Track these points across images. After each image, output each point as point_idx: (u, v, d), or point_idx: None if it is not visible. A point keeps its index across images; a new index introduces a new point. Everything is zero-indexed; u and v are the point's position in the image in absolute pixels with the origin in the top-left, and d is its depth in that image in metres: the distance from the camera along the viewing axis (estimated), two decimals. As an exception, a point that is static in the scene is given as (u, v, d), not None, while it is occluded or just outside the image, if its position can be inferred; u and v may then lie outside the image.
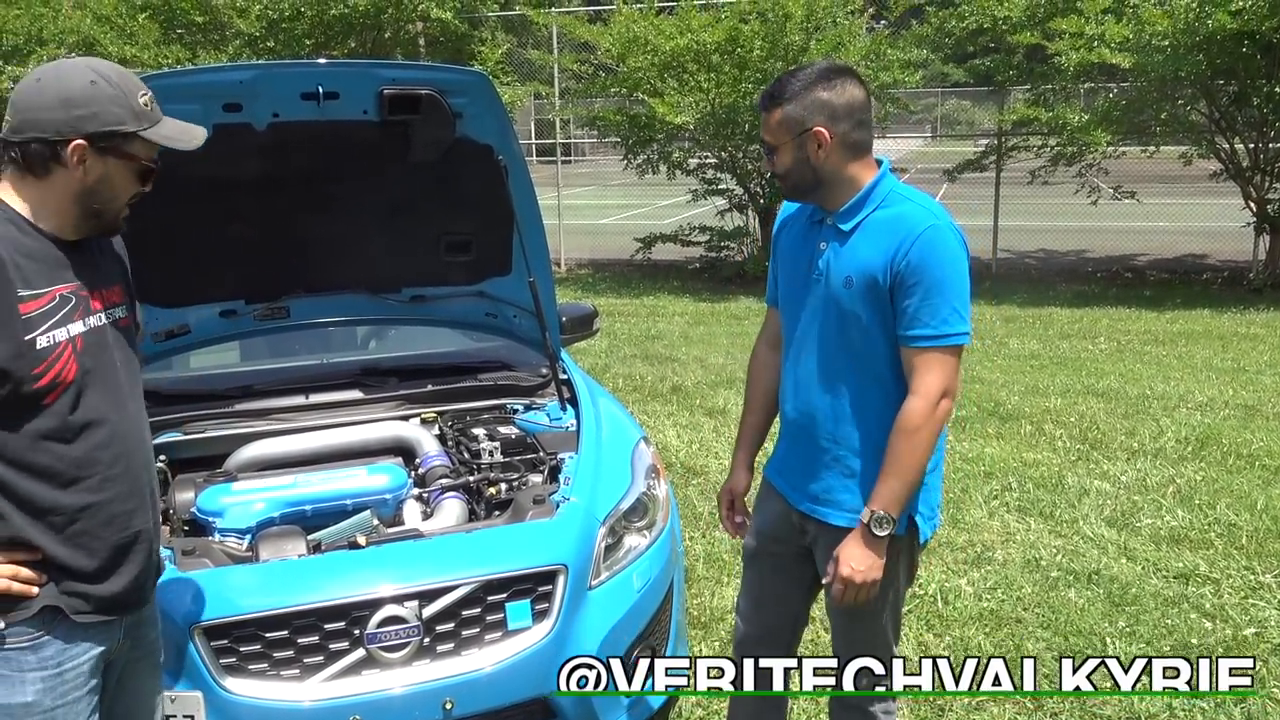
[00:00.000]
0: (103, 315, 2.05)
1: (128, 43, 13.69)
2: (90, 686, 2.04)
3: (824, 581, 2.41)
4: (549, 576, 2.74)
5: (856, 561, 2.32)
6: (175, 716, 2.44)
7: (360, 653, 2.57)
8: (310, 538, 2.83)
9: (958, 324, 2.28)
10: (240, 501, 2.92)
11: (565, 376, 3.73)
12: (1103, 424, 6.43)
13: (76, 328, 1.98)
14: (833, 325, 2.40)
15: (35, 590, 1.94)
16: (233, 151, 3.10)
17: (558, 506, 2.92)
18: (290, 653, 2.55)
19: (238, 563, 2.74)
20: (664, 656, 3.07)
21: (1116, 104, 11.54)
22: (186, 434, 3.32)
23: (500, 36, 16.04)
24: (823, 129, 2.30)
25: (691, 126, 11.77)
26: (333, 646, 2.57)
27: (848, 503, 2.42)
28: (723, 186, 13.17)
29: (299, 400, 3.52)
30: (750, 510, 2.78)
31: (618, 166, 14.80)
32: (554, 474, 3.19)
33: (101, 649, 2.06)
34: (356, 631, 2.57)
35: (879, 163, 2.41)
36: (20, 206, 1.97)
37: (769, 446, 2.79)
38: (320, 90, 3.07)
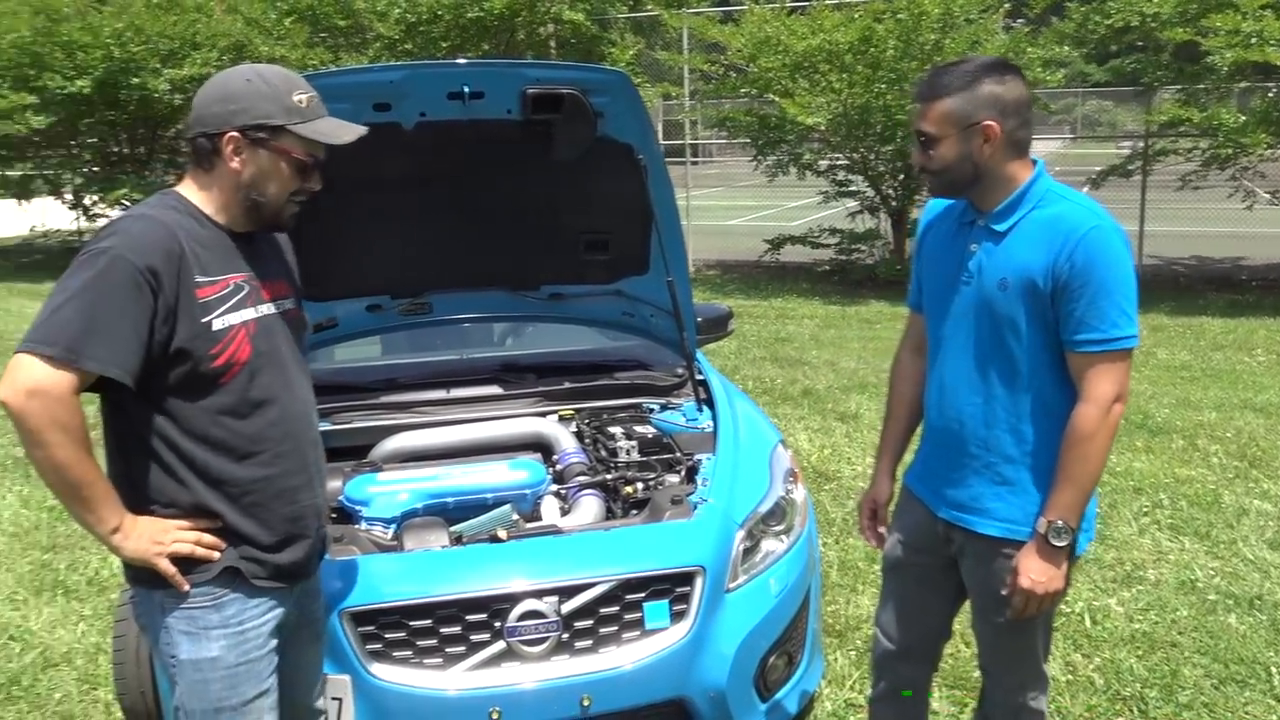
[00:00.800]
0: (271, 305, 2.17)
1: (277, 44, 14.25)
2: (270, 648, 2.16)
3: (1004, 594, 2.32)
4: (687, 578, 2.72)
5: (1036, 573, 2.24)
6: (324, 698, 2.50)
7: (500, 645, 2.59)
8: (452, 530, 2.88)
9: (1127, 326, 2.19)
10: (386, 491, 2.98)
11: (701, 377, 3.71)
12: (1262, 441, 6.08)
13: (248, 314, 2.10)
14: (985, 329, 2.32)
15: (217, 555, 2.06)
16: (381, 150, 3.15)
17: (695, 508, 2.90)
18: (433, 642, 2.59)
19: (383, 551, 2.80)
20: (800, 663, 3.02)
21: (1277, 104, 10.94)
22: (334, 424, 3.41)
23: (630, 38, 16.14)
24: (992, 123, 2.22)
25: (823, 127, 11.62)
26: (474, 638, 2.60)
27: (999, 511, 2.34)
28: (854, 188, 12.97)
29: (440, 394, 3.58)
30: (890, 520, 2.71)
31: (746, 168, 14.73)
32: (691, 475, 3.17)
33: (278, 613, 2.18)
34: (497, 624, 2.59)
35: (1034, 162, 2.32)
36: (196, 200, 2.11)
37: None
38: (466, 90, 3.11)
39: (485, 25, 14.16)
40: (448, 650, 2.59)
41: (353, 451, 3.38)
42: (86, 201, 17.19)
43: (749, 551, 2.91)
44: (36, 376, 1.86)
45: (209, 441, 2.05)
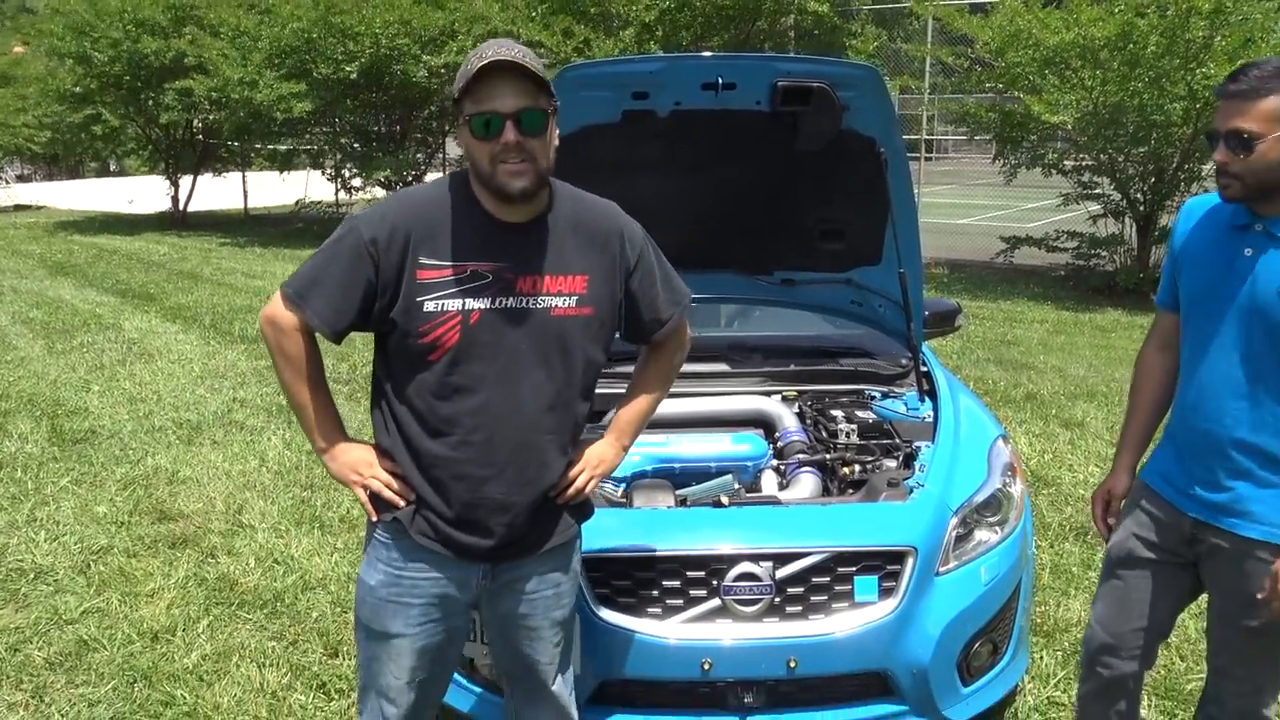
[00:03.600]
0: (527, 300, 2.17)
1: (533, 29, 14.94)
2: (427, 601, 2.28)
3: (1260, 597, 2.32)
4: (898, 556, 2.83)
5: None
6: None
7: (716, 602, 2.78)
8: (678, 493, 3.09)
9: None
10: (619, 453, 3.22)
11: (925, 369, 3.77)
12: None
13: (476, 303, 2.14)
14: (1257, 333, 2.30)
15: (402, 503, 2.24)
16: (636, 135, 3.41)
17: (911, 491, 3.00)
18: (654, 593, 2.81)
19: (613, 507, 3.04)
20: (1005, 654, 3.07)
21: None
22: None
23: (871, 29, 15.97)
24: None
25: (1069, 125, 11.17)
26: (692, 593, 2.80)
27: (1264, 515, 2.33)
28: (1098, 191, 12.40)
29: None
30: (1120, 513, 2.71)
31: (979, 166, 14.32)
32: (908, 461, 3.26)
33: (441, 577, 2.27)
34: (714, 583, 2.78)
35: None
36: (474, 182, 2.19)
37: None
38: (720, 81, 3.29)
39: (730, 14, 14.36)
40: (667, 602, 2.80)
41: (589, 416, 3.64)
42: (345, 174, 18.61)
43: (961, 539, 2.98)
44: (274, 309, 2.20)
45: (411, 408, 2.19)
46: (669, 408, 3.60)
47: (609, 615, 2.79)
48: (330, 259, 2.16)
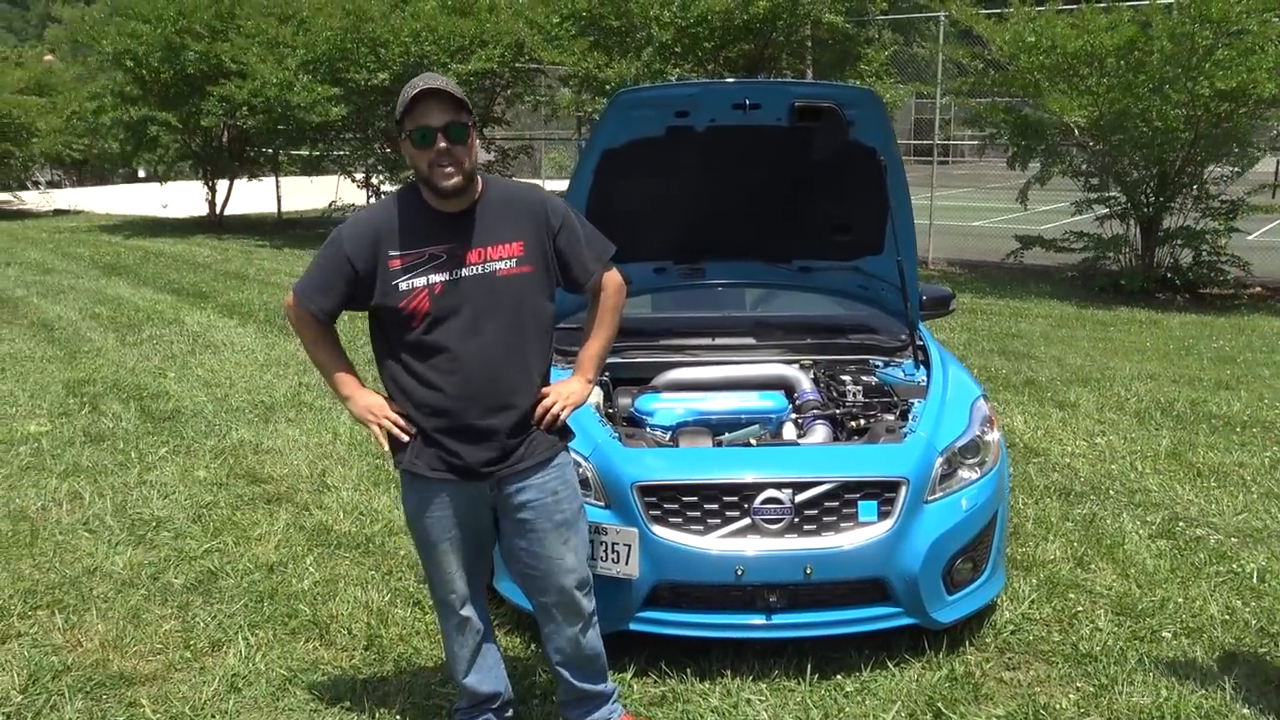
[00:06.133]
0: (478, 268, 2.78)
1: (556, 48, 15.65)
2: (451, 513, 2.90)
3: None
4: (893, 485, 3.51)
5: None
6: (617, 545, 3.44)
7: (746, 521, 3.46)
8: (716, 438, 3.79)
9: None
10: (666, 407, 3.94)
11: (921, 343, 4.46)
12: None
13: (438, 277, 2.75)
14: None
15: (405, 438, 2.85)
16: (678, 146, 4.11)
17: (905, 436, 3.68)
18: (697, 514, 3.49)
19: (662, 447, 3.73)
20: (984, 572, 3.74)
21: None
22: (624, 359, 4.39)
23: (887, 35, 16.57)
24: None
25: (1083, 125, 11.67)
26: (727, 514, 3.48)
27: None
28: (1106, 194, 12.88)
29: (706, 341, 4.52)
30: None
31: (997, 169, 14.86)
32: (904, 415, 3.94)
33: (457, 495, 2.88)
34: (745, 506, 3.47)
35: None
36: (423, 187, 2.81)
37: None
38: (747, 101, 3.98)
39: (749, 28, 14.99)
40: (707, 521, 3.49)
41: (635, 381, 4.35)
42: (374, 181, 19.37)
43: (946, 475, 3.66)
44: (289, 302, 2.92)
45: (403, 365, 2.83)
46: (705, 373, 4.30)
47: (661, 532, 3.47)
48: (322, 263, 2.84)
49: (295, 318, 2.92)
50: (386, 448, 2.92)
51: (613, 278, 3.06)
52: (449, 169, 2.70)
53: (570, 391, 2.99)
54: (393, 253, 2.77)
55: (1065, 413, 7.05)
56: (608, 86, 16.22)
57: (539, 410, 2.91)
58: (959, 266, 14.64)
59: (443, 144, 2.67)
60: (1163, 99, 11.04)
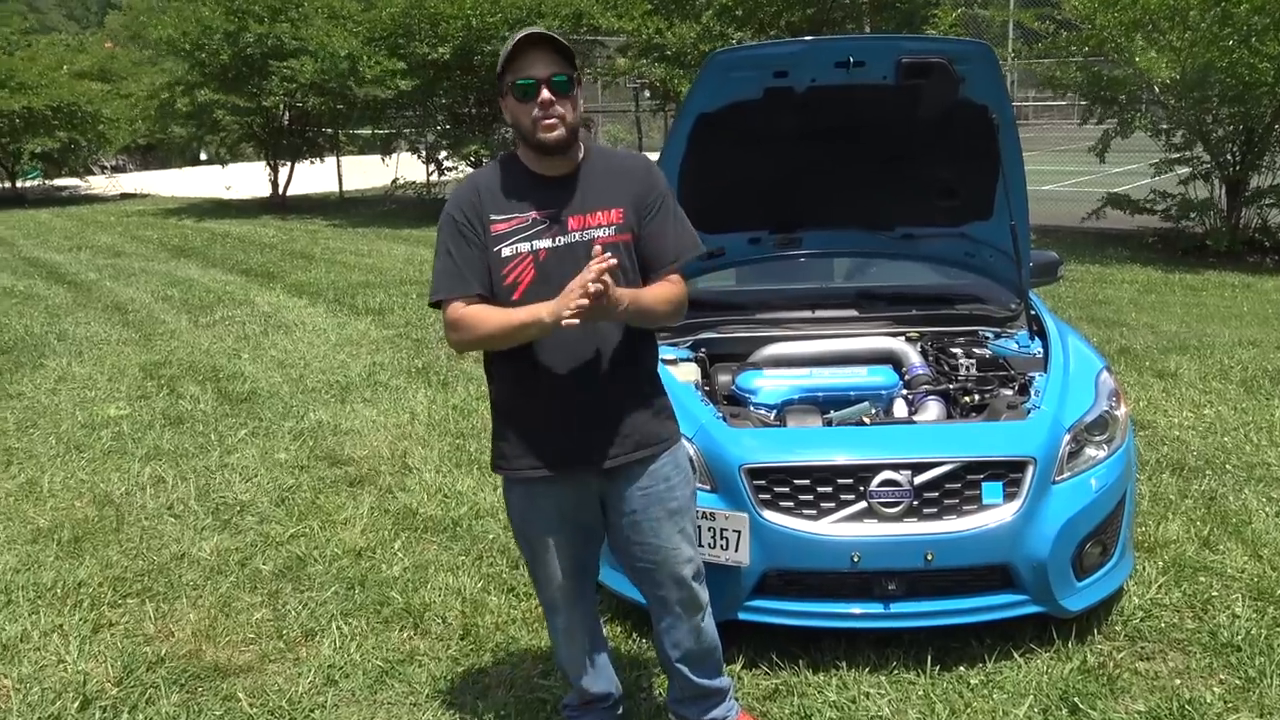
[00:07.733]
0: (577, 235, 2.59)
1: (613, 13, 15.43)
2: (557, 510, 2.72)
3: None
4: (1020, 466, 3.29)
5: None
6: (726, 530, 3.27)
7: (862, 505, 3.27)
8: (825, 416, 3.58)
9: None
10: (770, 385, 3.74)
11: (1034, 313, 4.20)
12: None
13: (542, 243, 2.57)
14: None
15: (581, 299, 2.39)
16: (776, 109, 3.88)
17: (1029, 412, 3.45)
18: (810, 497, 3.31)
19: (767, 427, 3.54)
20: (1113, 556, 3.51)
21: None
22: (719, 334, 4.20)
23: (952, -2, 16.12)
24: None
25: (1165, 81, 11.23)
26: (842, 497, 3.29)
27: None
28: (1188, 155, 12.42)
29: (806, 314, 4.30)
30: None
31: (1062, 132, 14.39)
32: (1024, 389, 3.71)
33: (562, 491, 2.70)
34: (861, 488, 3.27)
35: None
36: (520, 152, 2.66)
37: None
38: (851, 60, 3.74)
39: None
40: (821, 504, 3.30)
41: (732, 356, 4.15)
42: (439, 156, 19.32)
43: (1074, 454, 3.43)
44: (445, 322, 2.61)
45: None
46: (807, 348, 4.09)
47: (771, 516, 3.29)
48: (445, 250, 2.62)
49: (455, 324, 2.59)
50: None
51: (679, 288, 2.69)
52: (553, 121, 2.52)
53: (622, 293, 2.49)
54: (495, 217, 2.61)
55: (1166, 382, 6.74)
56: (668, 51, 15.99)
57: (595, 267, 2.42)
58: (1034, 232, 14.14)
59: (546, 94, 2.49)
60: (1251, 51, 10.58)
